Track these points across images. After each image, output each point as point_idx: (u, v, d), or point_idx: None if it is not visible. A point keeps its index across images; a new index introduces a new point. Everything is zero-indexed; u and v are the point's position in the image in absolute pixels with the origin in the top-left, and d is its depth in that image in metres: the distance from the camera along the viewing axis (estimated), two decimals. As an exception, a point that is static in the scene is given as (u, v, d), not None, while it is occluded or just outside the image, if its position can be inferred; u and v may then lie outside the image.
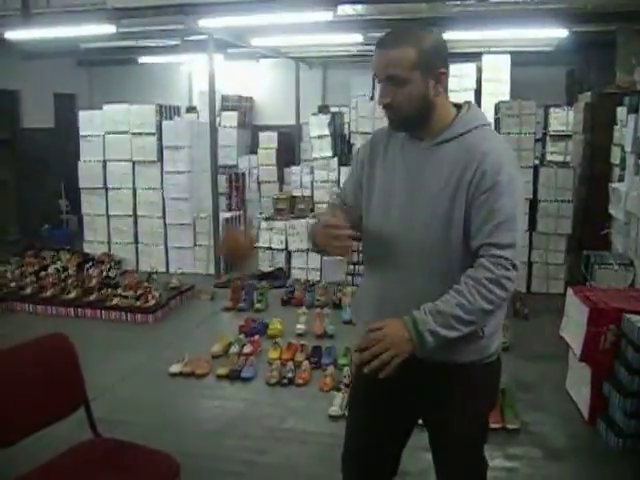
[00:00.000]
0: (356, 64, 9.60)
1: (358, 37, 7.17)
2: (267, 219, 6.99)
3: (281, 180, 9.14)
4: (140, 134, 6.95)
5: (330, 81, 10.30)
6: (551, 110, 8.02)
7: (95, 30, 6.37)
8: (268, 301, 5.72)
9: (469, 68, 8.47)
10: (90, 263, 6.57)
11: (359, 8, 6.21)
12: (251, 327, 4.97)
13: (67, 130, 8.78)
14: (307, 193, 7.29)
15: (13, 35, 6.58)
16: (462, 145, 1.68)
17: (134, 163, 7.04)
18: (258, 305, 5.58)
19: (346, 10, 6.12)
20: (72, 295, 5.63)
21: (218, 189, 6.87)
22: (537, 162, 6.58)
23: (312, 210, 7.06)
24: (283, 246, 6.70)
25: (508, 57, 8.56)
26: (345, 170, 6.88)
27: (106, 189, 7.18)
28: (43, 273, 6.13)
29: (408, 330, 1.57)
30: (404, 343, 1.56)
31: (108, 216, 7.23)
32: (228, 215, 7.21)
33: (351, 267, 6.30)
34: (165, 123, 6.97)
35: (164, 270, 6.88)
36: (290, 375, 4.06)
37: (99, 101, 7.88)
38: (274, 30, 6.99)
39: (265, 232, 6.78)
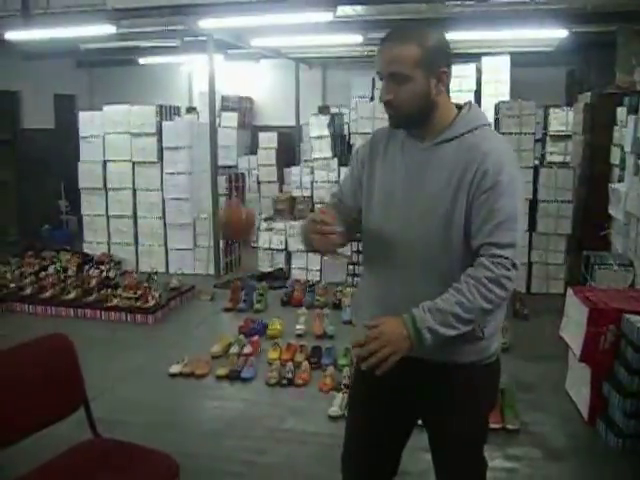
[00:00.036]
0: (356, 65, 9.61)
1: (358, 38, 7.17)
2: (267, 219, 6.99)
3: (281, 180, 9.14)
4: (140, 135, 6.96)
5: (330, 82, 10.30)
6: (551, 110, 8.01)
7: (95, 31, 6.36)
8: (268, 301, 5.72)
9: (469, 69, 8.48)
10: (90, 264, 6.57)
11: (359, 9, 6.22)
12: (251, 327, 4.97)
13: (67, 131, 8.77)
14: (307, 193, 7.28)
15: (13, 36, 6.58)
16: (463, 145, 1.68)
17: (134, 164, 7.04)
18: (258, 305, 5.58)
19: (346, 11, 6.12)
20: (72, 296, 5.63)
21: (218, 190, 6.87)
22: (537, 162, 6.59)
23: (312, 210, 7.07)
24: (283, 246, 6.71)
25: (508, 58, 8.57)
26: (345, 170, 6.87)
27: (106, 190, 7.18)
28: (43, 274, 6.13)
29: (406, 327, 1.57)
30: (402, 340, 1.56)
31: (108, 217, 7.24)
32: (228, 215, 7.19)
33: (351, 267, 6.31)
34: (165, 124, 6.97)
35: (164, 271, 6.88)
36: (290, 375, 4.06)
37: (99, 102, 7.88)
38: (274, 31, 6.99)
39: (265, 232, 6.79)
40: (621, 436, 3.16)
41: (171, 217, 7.01)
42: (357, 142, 6.84)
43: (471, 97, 7.93)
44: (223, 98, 9.69)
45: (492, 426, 3.04)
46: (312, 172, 7.29)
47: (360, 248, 2.03)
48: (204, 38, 6.63)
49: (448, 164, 1.68)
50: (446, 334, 1.58)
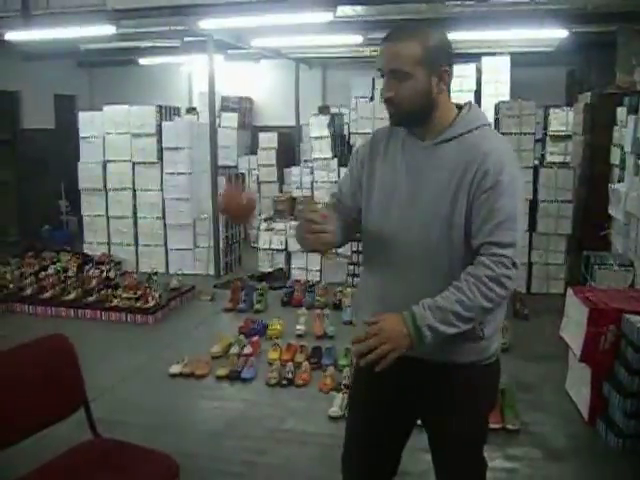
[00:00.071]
0: (356, 65, 9.61)
1: (358, 38, 7.17)
2: (267, 220, 6.99)
3: (281, 181, 9.14)
4: (140, 135, 6.96)
5: (330, 82, 10.31)
6: (551, 110, 8.01)
7: (95, 31, 6.36)
8: (268, 302, 5.72)
9: (469, 69, 8.49)
10: (90, 264, 6.57)
11: (359, 9, 6.22)
12: (251, 328, 4.97)
13: (67, 131, 8.78)
14: (307, 194, 7.28)
15: (13, 36, 6.59)
16: (463, 145, 1.69)
17: (134, 164, 7.04)
18: (258, 306, 5.58)
19: (346, 11, 6.13)
20: (72, 296, 5.63)
21: (218, 190, 6.86)
22: (537, 162, 6.59)
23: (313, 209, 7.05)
24: (283, 247, 6.70)
25: (508, 58, 8.58)
26: (345, 170, 6.88)
27: (106, 190, 7.18)
28: (43, 274, 6.13)
29: (406, 325, 1.57)
30: (402, 337, 1.56)
31: (108, 217, 7.23)
32: (228, 216, 7.20)
33: (351, 267, 6.31)
34: (165, 124, 6.97)
35: (164, 271, 6.88)
36: (290, 376, 4.06)
37: (99, 102, 7.88)
38: (274, 31, 6.99)
39: (265, 233, 6.79)
40: (621, 436, 3.16)
41: (171, 217, 7.01)
42: (357, 142, 6.84)
43: (471, 97, 7.94)
44: (223, 98, 9.69)
45: (492, 426, 3.04)
46: (312, 172, 7.30)
47: (360, 248, 2.02)
48: (204, 38, 6.63)
49: (448, 164, 1.68)
50: (446, 332, 1.58)
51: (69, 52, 8.69)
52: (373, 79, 9.08)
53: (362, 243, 1.90)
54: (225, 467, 3.11)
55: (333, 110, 8.35)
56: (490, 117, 6.33)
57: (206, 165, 6.79)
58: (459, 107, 1.76)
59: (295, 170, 7.85)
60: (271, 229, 6.76)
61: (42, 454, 2.23)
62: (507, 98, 7.86)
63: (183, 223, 6.96)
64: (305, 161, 8.26)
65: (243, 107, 10.15)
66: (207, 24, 6.07)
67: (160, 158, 6.96)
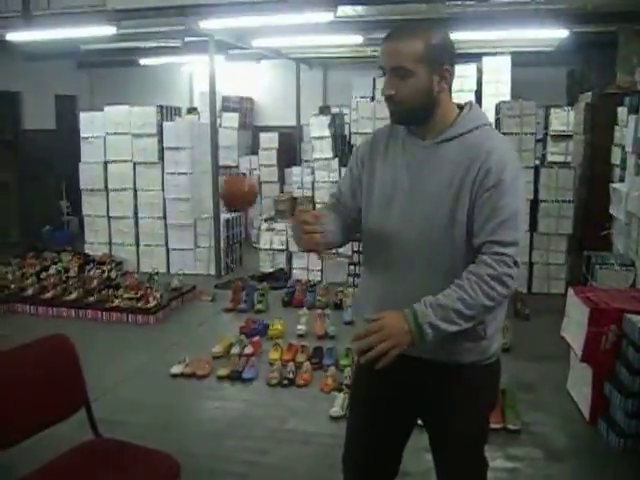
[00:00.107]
0: (357, 65, 9.60)
1: (358, 38, 7.17)
2: (268, 220, 6.99)
3: (282, 181, 9.14)
4: (141, 135, 6.96)
5: (330, 82, 10.30)
6: (552, 110, 7.99)
7: (95, 32, 6.37)
8: (269, 302, 5.72)
9: (470, 69, 8.47)
10: (91, 264, 6.57)
11: (359, 9, 6.22)
12: (252, 328, 4.97)
13: (68, 132, 8.79)
14: (308, 194, 7.28)
15: (14, 37, 6.59)
16: (464, 144, 1.69)
17: (135, 164, 7.05)
18: (259, 306, 5.58)
19: (346, 11, 6.12)
20: (73, 296, 5.64)
21: (219, 190, 6.87)
22: (538, 162, 6.58)
23: (314, 208, 7.06)
24: (284, 247, 6.71)
25: (508, 58, 8.56)
26: (345, 170, 6.88)
27: (107, 190, 7.19)
28: (44, 274, 6.13)
29: (408, 322, 1.56)
30: (403, 335, 1.56)
31: (109, 217, 7.24)
32: (229, 216, 7.21)
33: (352, 267, 6.30)
34: (166, 124, 6.98)
35: (165, 271, 6.88)
36: (291, 376, 4.06)
37: (100, 103, 7.88)
38: (275, 31, 6.99)
39: (266, 233, 6.79)
40: (622, 436, 3.16)
41: (172, 217, 7.02)
42: (358, 142, 6.83)
43: (472, 97, 7.92)
44: (224, 98, 9.68)
45: (493, 426, 3.04)
46: (313, 172, 7.28)
47: (360, 248, 2.03)
48: (205, 39, 6.63)
49: (450, 163, 1.68)
50: (447, 330, 1.58)
51: (70, 52, 8.69)
52: (374, 79, 9.06)
53: (362, 243, 1.90)
54: (226, 467, 3.12)
55: (334, 110, 8.34)
56: (491, 117, 6.33)
57: (207, 165, 6.79)
58: (460, 107, 1.76)
59: (296, 170, 7.85)
60: (272, 229, 6.77)
61: (43, 454, 2.24)
62: (508, 98, 7.85)
63: (184, 223, 6.96)
64: (306, 161, 8.26)
65: (244, 107, 10.15)
66: (208, 24, 6.07)
67: (161, 158, 6.97)
